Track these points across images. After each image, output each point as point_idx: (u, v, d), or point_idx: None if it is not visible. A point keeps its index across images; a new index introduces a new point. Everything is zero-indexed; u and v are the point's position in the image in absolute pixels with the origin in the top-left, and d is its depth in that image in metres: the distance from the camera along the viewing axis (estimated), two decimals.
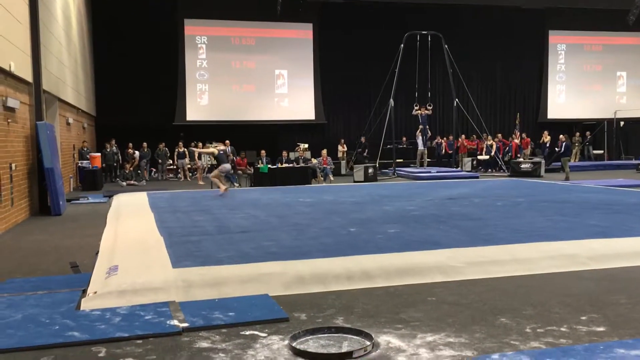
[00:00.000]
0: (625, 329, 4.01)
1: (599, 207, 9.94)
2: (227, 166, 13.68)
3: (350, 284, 5.24)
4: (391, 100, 20.81)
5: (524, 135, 23.43)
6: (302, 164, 18.60)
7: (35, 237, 8.54)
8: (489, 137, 22.30)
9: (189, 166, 20.56)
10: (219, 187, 13.12)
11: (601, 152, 26.22)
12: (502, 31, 26.01)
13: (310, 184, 17.38)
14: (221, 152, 13.70)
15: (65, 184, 14.45)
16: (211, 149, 13.99)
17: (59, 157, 13.01)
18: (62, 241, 8.13)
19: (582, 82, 27.79)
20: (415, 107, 21.65)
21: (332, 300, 4.84)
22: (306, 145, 22.03)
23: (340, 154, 22.99)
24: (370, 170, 18.62)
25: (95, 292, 4.94)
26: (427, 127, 22.26)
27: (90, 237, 8.26)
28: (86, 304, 4.72)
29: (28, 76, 11.06)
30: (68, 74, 16.03)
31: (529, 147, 23.26)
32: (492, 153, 21.93)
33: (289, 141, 23.16)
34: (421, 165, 22.23)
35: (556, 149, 19.43)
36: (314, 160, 19.21)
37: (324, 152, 19.31)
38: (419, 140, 22.21)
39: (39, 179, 11.25)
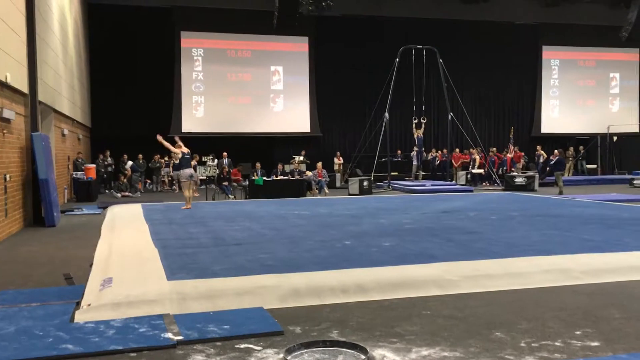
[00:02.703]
0: (619, 344, 4.02)
1: (592, 221, 9.99)
2: (187, 172, 12.72)
3: (345, 297, 5.24)
4: (386, 113, 20.89)
5: (516, 149, 23.55)
6: (297, 177, 18.61)
7: (29, 249, 8.49)
8: (474, 151, 22.37)
9: None
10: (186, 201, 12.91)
11: (594, 166, 26.34)
12: (496, 46, 26.22)
13: (306, 196, 17.38)
14: (186, 155, 12.83)
15: (60, 195, 14.40)
16: (174, 149, 12.79)
17: (54, 168, 12.97)
18: (56, 252, 8.09)
19: (576, 97, 28.00)
20: (415, 121, 21.78)
21: (327, 313, 4.84)
22: (301, 158, 22.05)
23: (336, 167, 23.04)
24: (365, 183, 18.64)
25: (89, 305, 4.92)
26: (423, 149, 22.50)
27: (84, 248, 8.23)
28: (80, 317, 4.70)
29: (24, 87, 11.05)
30: (64, 85, 16.04)
31: (521, 160, 23.35)
32: (476, 167, 22.04)
33: (284, 154, 23.19)
34: (416, 178, 22.30)
35: (550, 161, 19.52)
36: (309, 173, 19.22)
37: (319, 164, 19.33)
38: (414, 159, 22.42)
39: (33, 190, 11.22)
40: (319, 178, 18.83)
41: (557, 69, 27.84)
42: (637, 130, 26.51)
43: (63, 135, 16.12)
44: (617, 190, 18.81)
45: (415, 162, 22.41)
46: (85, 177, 17.14)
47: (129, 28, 22.48)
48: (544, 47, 27.52)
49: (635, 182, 21.11)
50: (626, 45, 25.56)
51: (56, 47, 14.93)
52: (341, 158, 23.40)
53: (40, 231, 10.40)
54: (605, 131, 26.28)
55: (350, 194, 18.13)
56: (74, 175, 17.35)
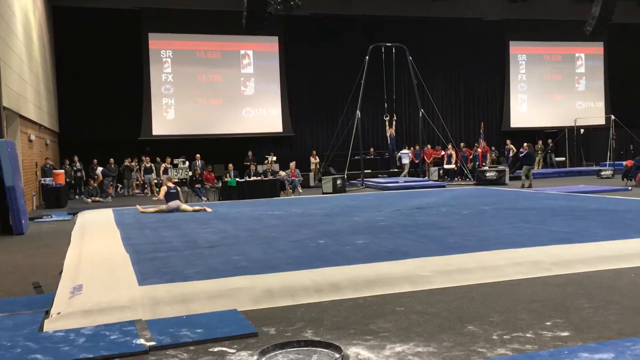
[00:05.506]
0: (588, 333, 4.09)
1: (561, 213, 10.16)
2: (173, 204, 12.85)
3: (319, 297, 5.24)
4: (358, 111, 20.97)
5: (483, 143, 23.88)
6: (270, 177, 18.55)
7: None
8: (449, 147, 22.63)
9: (156, 181, 20.31)
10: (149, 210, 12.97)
11: (563, 159, 26.81)
12: (464, 42, 26.50)
13: (279, 196, 17.34)
14: (171, 190, 13.02)
15: (28, 202, 14.12)
16: (161, 192, 13.25)
17: (21, 175, 12.71)
18: (25, 261, 7.92)
19: (543, 91, 28.45)
20: (387, 119, 21.88)
21: (301, 313, 4.83)
22: (274, 158, 21.96)
23: (313, 166, 23.04)
24: (338, 182, 18.66)
25: (59, 313, 4.82)
26: (395, 149, 22.84)
27: (53, 256, 8.07)
28: (49, 326, 4.61)
29: None
30: (29, 89, 15.73)
31: (488, 154, 23.66)
32: (453, 162, 22.28)
33: (257, 154, 23.09)
34: (406, 175, 22.75)
35: (521, 154, 19.84)
36: (282, 173, 19.18)
37: (292, 164, 19.30)
38: (402, 159, 23.19)
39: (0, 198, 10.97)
40: (292, 178, 18.80)
41: (525, 64, 28.26)
42: (603, 123, 27.04)
43: (30, 141, 15.81)
44: (585, 182, 19.18)
45: (405, 162, 23.07)
46: (54, 183, 16.83)
47: (95, 31, 22.16)
48: (511, 43, 27.90)
49: (602, 173, 21.56)
50: (591, 39, 26.03)
51: (20, 51, 14.63)
52: (317, 157, 23.39)
53: (8, 240, 10.17)
54: (573, 124, 26.77)
55: (324, 193, 18.14)
56: (43, 182, 17.02)
